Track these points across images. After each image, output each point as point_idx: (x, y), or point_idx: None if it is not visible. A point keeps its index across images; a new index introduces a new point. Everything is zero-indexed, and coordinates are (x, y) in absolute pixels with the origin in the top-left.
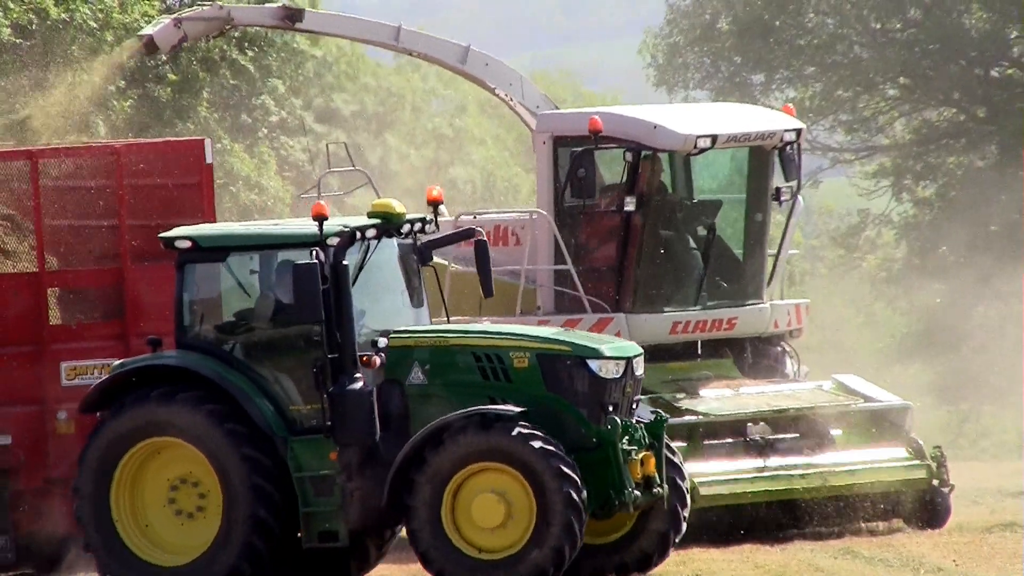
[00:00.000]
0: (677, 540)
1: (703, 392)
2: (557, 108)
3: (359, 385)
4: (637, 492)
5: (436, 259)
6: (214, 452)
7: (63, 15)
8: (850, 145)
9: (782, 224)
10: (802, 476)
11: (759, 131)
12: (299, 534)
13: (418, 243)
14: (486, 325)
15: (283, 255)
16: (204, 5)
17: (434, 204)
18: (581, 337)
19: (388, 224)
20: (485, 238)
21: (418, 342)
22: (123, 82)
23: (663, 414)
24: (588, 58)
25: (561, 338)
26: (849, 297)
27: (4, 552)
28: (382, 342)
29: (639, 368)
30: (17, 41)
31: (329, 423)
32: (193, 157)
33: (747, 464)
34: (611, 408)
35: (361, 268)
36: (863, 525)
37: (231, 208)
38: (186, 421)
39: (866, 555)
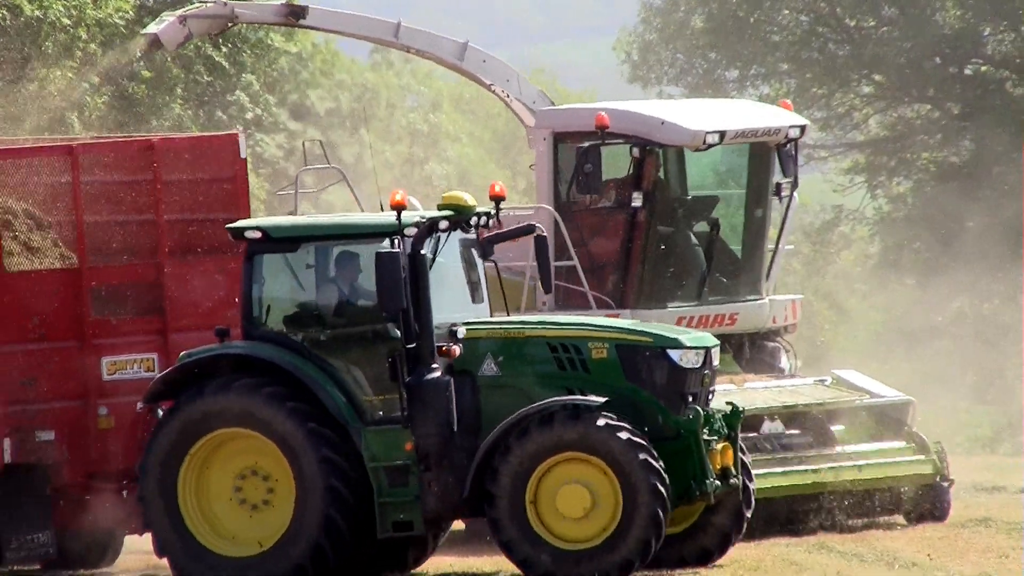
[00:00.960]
0: (738, 538)
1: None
2: (553, 104)
3: (437, 375)
4: (717, 482)
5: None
6: (287, 442)
7: (37, 12)
8: (824, 141)
9: (776, 220)
10: (815, 471)
11: (766, 127)
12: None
13: (480, 238)
14: (560, 316)
15: (358, 246)
16: (208, 2)
17: (496, 200)
18: (658, 328)
19: (459, 217)
20: (544, 233)
21: (490, 333)
22: (97, 79)
23: (738, 405)
24: (563, 56)
25: (640, 328)
26: (823, 292)
27: (46, 547)
28: (461, 332)
29: (715, 358)
30: None
31: (406, 413)
32: (227, 151)
33: (759, 459)
34: (691, 398)
35: (433, 259)
36: (840, 520)
37: None
38: (258, 411)
39: (840, 550)
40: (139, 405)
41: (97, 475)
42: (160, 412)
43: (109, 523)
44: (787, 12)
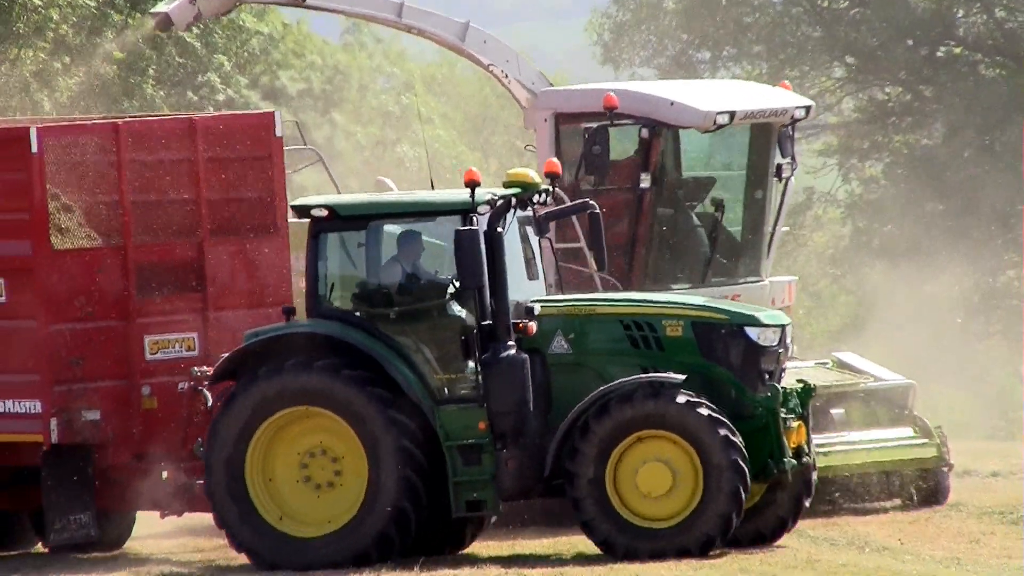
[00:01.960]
0: (795, 522)
1: None
2: (552, 85)
3: (514, 353)
4: (793, 461)
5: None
6: (365, 427)
7: None
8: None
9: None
10: (825, 455)
11: (773, 108)
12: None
13: (537, 215)
14: (632, 294)
15: (426, 224)
16: None
17: (552, 176)
18: (732, 305)
19: (525, 193)
20: (599, 211)
21: (561, 311)
22: (68, 59)
23: (810, 383)
24: (530, 38)
25: (715, 306)
26: (796, 274)
27: (87, 528)
28: (536, 308)
29: (789, 336)
30: None
31: (482, 391)
32: (263, 130)
33: None
34: (767, 376)
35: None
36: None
37: None
38: (338, 393)
39: (811, 534)
40: (180, 385)
41: (139, 456)
42: (205, 392)
43: (149, 505)
44: None
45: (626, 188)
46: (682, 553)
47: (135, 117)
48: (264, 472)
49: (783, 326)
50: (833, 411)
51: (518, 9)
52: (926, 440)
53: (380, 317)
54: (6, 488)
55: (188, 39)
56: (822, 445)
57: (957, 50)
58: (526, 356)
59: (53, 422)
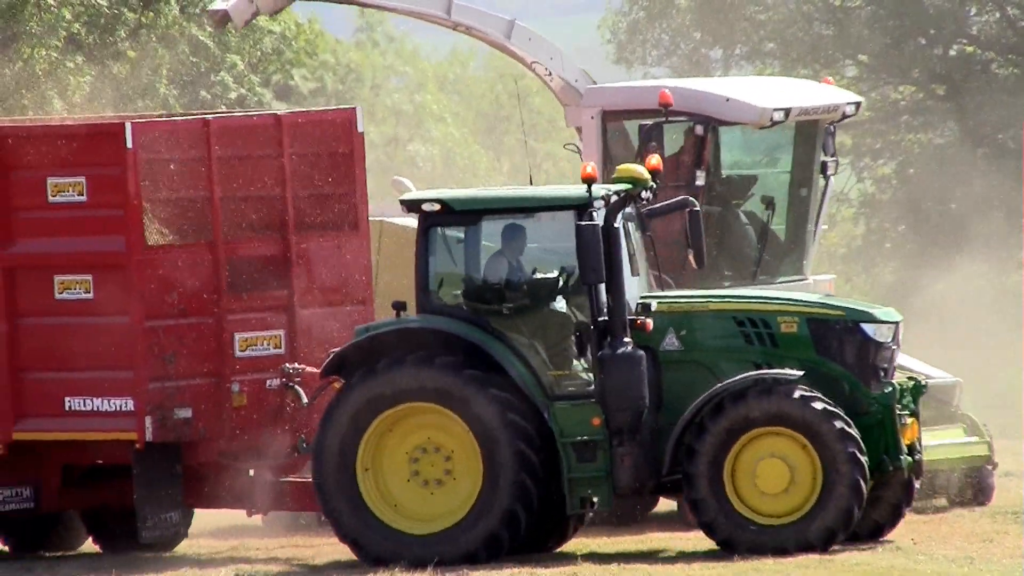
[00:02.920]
0: (907, 511)
1: None
2: (595, 83)
3: (631, 349)
4: (909, 457)
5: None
6: (483, 427)
7: None
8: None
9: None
10: None
11: (825, 104)
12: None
13: (639, 212)
14: (744, 290)
15: (544, 218)
16: None
17: (655, 172)
18: (846, 301)
19: (636, 189)
20: (698, 208)
21: (672, 308)
22: (80, 58)
23: (920, 380)
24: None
25: (830, 302)
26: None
27: (176, 527)
28: (653, 305)
29: (900, 333)
30: None
31: (598, 388)
32: (345, 126)
33: None
34: (883, 372)
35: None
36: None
37: None
38: (458, 391)
39: None
40: (268, 382)
41: (227, 454)
42: (298, 389)
43: (234, 503)
44: None
45: (677, 185)
46: (805, 548)
47: (224, 113)
48: (374, 467)
49: (896, 323)
50: None
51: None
52: (976, 438)
53: (492, 313)
54: (81, 485)
55: (202, 37)
56: None
57: (970, 49)
58: (643, 352)
59: (148, 420)
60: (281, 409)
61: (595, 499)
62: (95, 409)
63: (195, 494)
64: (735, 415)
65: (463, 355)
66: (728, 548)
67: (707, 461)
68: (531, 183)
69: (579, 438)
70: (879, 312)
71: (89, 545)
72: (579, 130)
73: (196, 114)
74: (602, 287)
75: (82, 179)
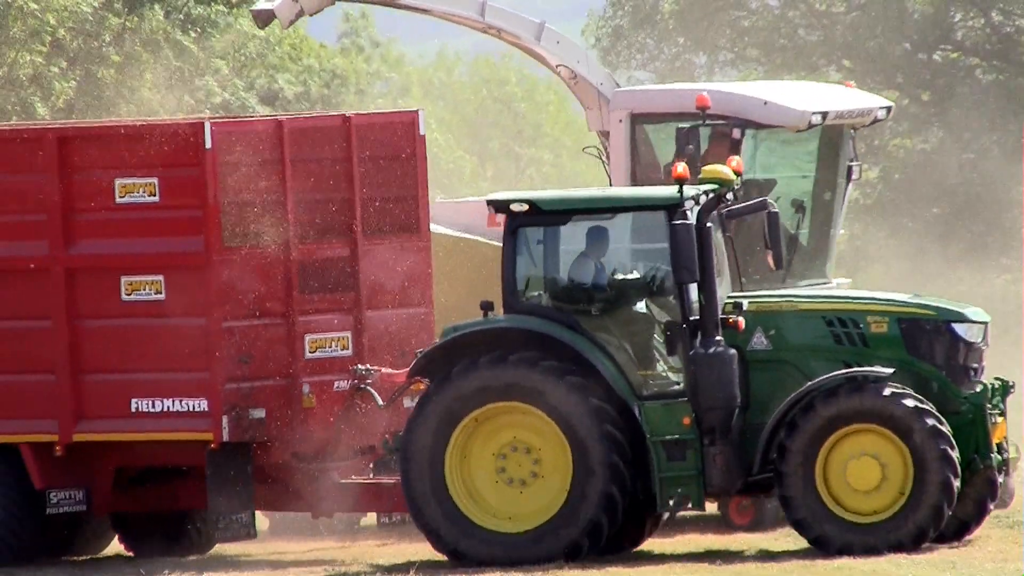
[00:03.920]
0: (992, 508)
1: None
2: (618, 86)
3: (723, 348)
4: (999, 456)
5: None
6: (566, 418)
7: None
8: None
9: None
10: None
11: (860, 108)
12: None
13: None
14: (833, 290)
15: (635, 218)
16: None
17: (738, 174)
18: (936, 300)
19: (723, 190)
20: (776, 209)
21: (760, 307)
22: (65, 63)
23: (1007, 380)
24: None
25: (922, 302)
26: None
27: (247, 528)
28: (745, 304)
29: (988, 333)
30: None
31: (689, 387)
32: (408, 128)
33: None
34: (973, 372)
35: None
36: None
37: None
38: (538, 385)
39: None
40: (337, 384)
41: (301, 455)
42: (372, 391)
43: (302, 505)
44: None
45: None
46: (896, 547)
47: (294, 115)
48: (462, 470)
49: (986, 323)
50: None
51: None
52: None
53: (580, 313)
54: (133, 488)
55: (186, 43)
56: None
57: (954, 55)
58: (735, 351)
59: (225, 420)
60: (350, 410)
61: (687, 498)
62: (165, 410)
63: (263, 496)
64: (827, 412)
65: (548, 354)
66: (819, 546)
67: (798, 458)
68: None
69: (669, 437)
70: (970, 312)
71: (110, 549)
72: (603, 134)
73: (271, 116)
74: (693, 286)
75: (154, 180)
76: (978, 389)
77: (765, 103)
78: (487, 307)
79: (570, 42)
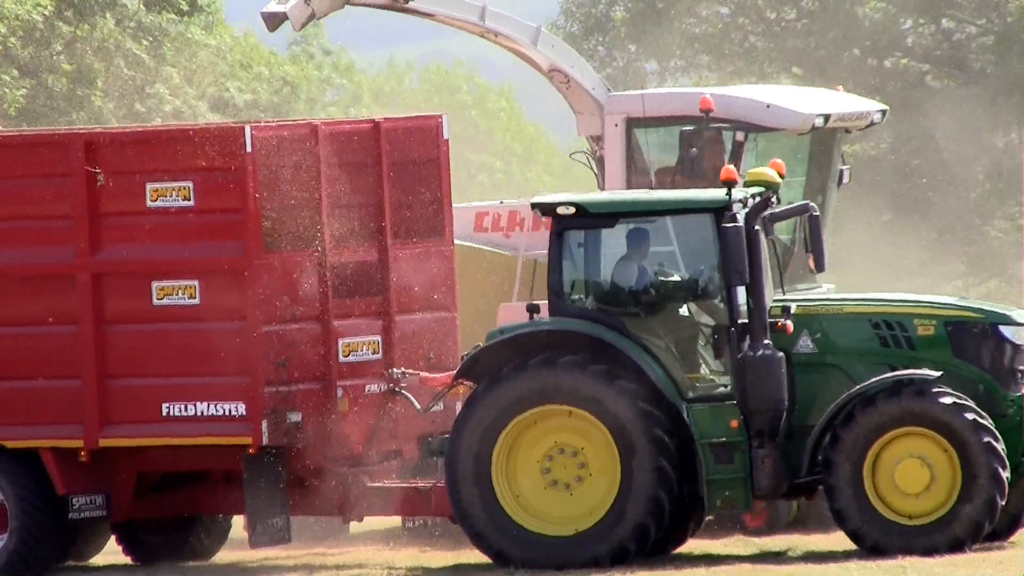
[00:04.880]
0: None
1: None
2: (610, 91)
3: (772, 351)
4: None
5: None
6: (615, 421)
7: None
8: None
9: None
10: None
11: (858, 111)
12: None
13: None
14: (878, 293)
15: (682, 220)
16: None
17: (781, 177)
18: (982, 303)
19: (768, 192)
20: (818, 212)
21: (806, 310)
22: (16, 71)
23: None
24: (480, 48)
25: (968, 304)
26: None
27: (282, 532)
28: (792, 307)
29: None
30: None
31: (737, 390)
32: (433, 133)
33: None
34: (1020, 375)
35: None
36: None
37: None
38: (587, 388)
39: (758, 544)
40: (368, 387)
41: (335, 459)
42: (407, 394)
43: (332, 509)
44: (707, 3)
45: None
46: (954, 545)
47: (327, 120)
48: (507, 472)
49: None
50: None
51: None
52: None
53: (625, 315)
54: (152, 494)
55: (136, 51)
56: None
57: (904, 61)
58: (783, 354)
59: (264, 424)
60: (384, 414)
61: (735, 501)
62: (199, 414)
63: (296, 500)
64: (876, 415)
65: (595, 357)
66: (856, 539)
67: (846, 460)
68: None
69: (717, 440)
70: (1016, 314)
71: (102, 557)
72: (594, 139)
73: (305, 120)
74: (741, 289)
75: (188, 184)
76: None
77: (768, 106)
78: (533, 310)
79: (565, 46)
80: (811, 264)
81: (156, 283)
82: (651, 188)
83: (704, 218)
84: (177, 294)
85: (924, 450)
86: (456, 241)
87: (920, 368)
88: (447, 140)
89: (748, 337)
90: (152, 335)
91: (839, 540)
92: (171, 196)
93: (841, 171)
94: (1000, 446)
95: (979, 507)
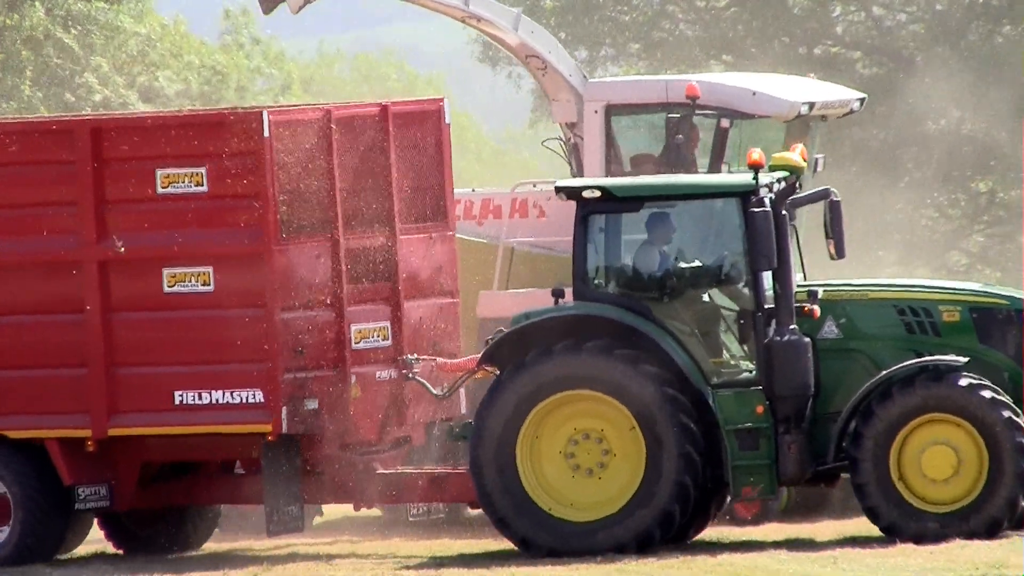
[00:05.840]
0: None
1: None
2: (586, 78)
3: (797, 336)
4: None
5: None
6: (641, 407)
7: None
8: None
9: None
10: None
11: (840, 99)
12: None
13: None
14: (903, 279)
15: (708, 204)
16: None
17: (805, 162)
18: (1006, 290)
19: (793, 177)
20: (839, 199)
21: (830, 295)
22: None
23: None
24: (410, 38)
25: (993, 291)
26: None
27: (297, 520)
28: (820, 292)
29: None
30: None
31: (763, 375)
32: (436, 117)
33: None
34: None
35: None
36: None
37: None
38: (611, 374)
39: (717, 538)
40: (379, 374)
41: (348, 447)
42: (420, 379)
43: (343, 497)
44: None
45: None
46: (969, 536)
47: (340, 105)
48: (532, 459)
49: None
50: None
51: (399, 11)
52: None
53: (650, 300)
54: (154, 483)
55: (66, 40)
56: None
57: (835, 49)
58: (808, 340)
59: (284, 411)
60: (395, 401)
61: (760, 487)
62: (214, 402)
63: (307, 488)
64: (902, 401)
65: (621, 342)
66: (890, 533)
67: (873, 446)
68: None
69: (742, 426)
70: None
71: (86, 547)
72: (568, 125)
73: (319, 105)
74: (767, 274)
75: (202, 169)
76: None
77: (754, 93)
78: (559, 294)
79: (544, 32)
80: (831, 250)
81: (167, 270)
82: (625, 175)
83: (715, 203)
84: (189, 281)
85: (951, 437)
86: None
87: (945, 354)
88: (448, 124)
89: (774, 322)
90: (163, 322)
91: (822, 529)
92: (183, 182)
93: (816, 159)
94: None
95: (1001, 506)
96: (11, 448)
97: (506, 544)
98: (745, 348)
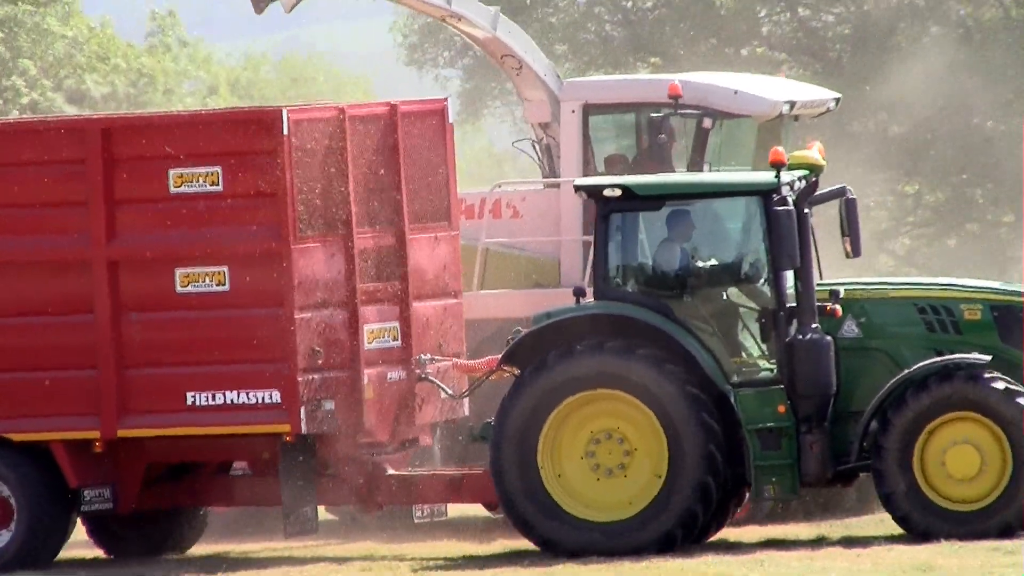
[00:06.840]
0: None
1: None
2: (560, 78)
3: (820, 335)
4: None
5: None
6: (663, 406)
7: None
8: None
9: None
10: None
11: (818, 99)
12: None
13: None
14: (923, 277)
15: (729, 203)
16: None
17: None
18: None
19: (812, 175)
20: (854, 196)
21: (851, 294)
22: None
23: None
24: (331, 42)
25: (1011, 288)
26: None
27: (311, 522)
28: (841, 291)
29: None
30: None
31: (785, 374)
32: (439, 116)
33: None
34: None
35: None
36: None
37: None
38: (633, 373)
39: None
40: (390, 375)
41: (363, 447)
42: (435, 380)
43: (352, 498)
44: None
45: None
46: (1004, 533)
47: (353, 105)
48: (553, 460)
49: None
50: None
51: (326, 12)
52: None
53: (671, 299)
54: (158, 485)
55: None
56: None
57: (760, 49)
58: (831, 339)
59: (302, 412)
60: (406, 402)
61: (782, 487)
62: (228, 403)
63: (334, 489)
64: (926, 400)
65: (642, 341)
66: (904, 524)
67: (896, 445)
68: None
69: (764, 425)
70: None
71: (70, 551)
72: (541, 125)
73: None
74: (789, 273)
75: (217, 168)
76: None
77: (735, 92)
78: (579, 293)
79: (520, 32)
80: (847, 248)
81: (180, 270)
82: (598, 175)
83: (735, 201)
84: (204, 281)
85: (974, 435)
86: None
87: (967, 352)
88: (452, 124)
89: (796, 321)
90: (175, 322)
91: (748, 533)
92: (197, 182)
93: None
94: None
95: (1017, 511)
96: (14, 451)
97: (515, 545)
98: (765, 347)
